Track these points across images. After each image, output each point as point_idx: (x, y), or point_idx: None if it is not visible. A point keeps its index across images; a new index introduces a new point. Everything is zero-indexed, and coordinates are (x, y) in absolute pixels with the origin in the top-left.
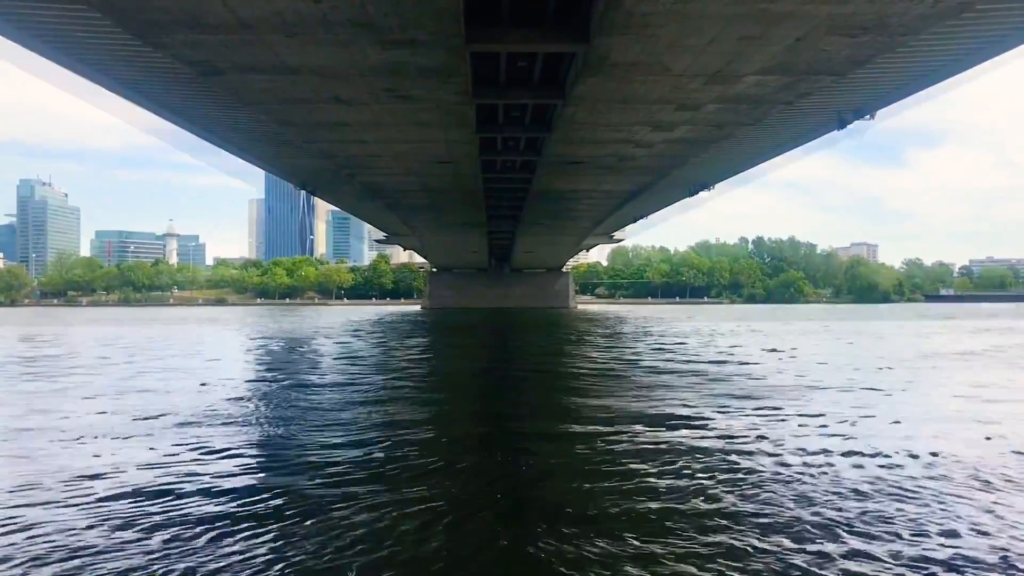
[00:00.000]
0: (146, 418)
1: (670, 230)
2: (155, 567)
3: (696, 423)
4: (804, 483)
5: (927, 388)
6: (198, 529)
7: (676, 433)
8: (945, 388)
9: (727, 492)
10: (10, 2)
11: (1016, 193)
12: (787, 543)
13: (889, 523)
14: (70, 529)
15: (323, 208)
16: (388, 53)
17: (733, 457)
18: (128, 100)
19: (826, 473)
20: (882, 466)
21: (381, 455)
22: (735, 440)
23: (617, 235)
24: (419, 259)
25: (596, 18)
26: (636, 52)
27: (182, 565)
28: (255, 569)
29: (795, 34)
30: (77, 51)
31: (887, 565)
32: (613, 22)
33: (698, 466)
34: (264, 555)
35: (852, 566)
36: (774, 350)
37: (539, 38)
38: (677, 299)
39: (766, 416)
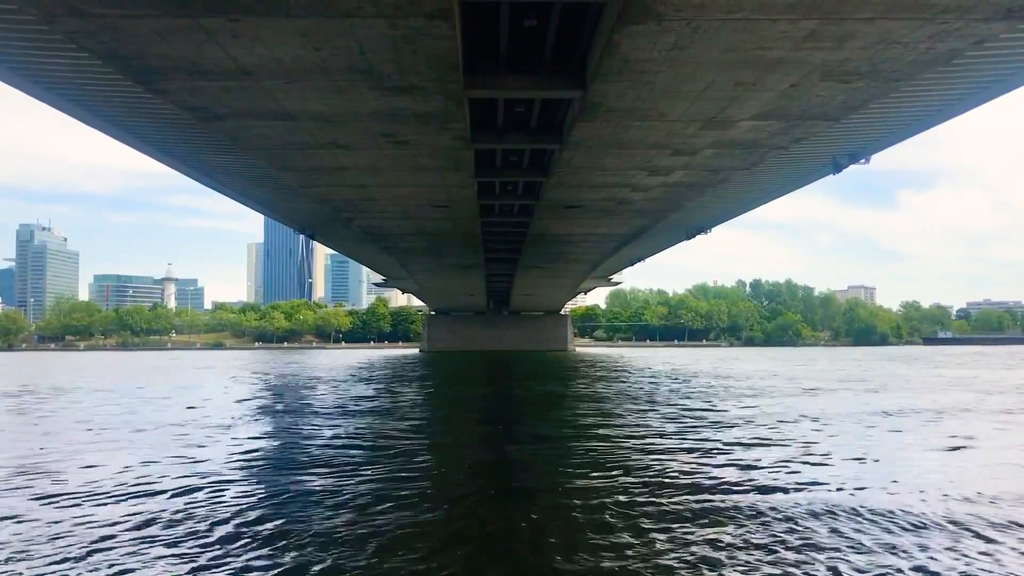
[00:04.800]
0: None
1: (667, 271)
2: None
3: None
4: None
5: None
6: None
7: None
8: None
9: None
10: (15, 52)
11: (1009, 234)
12: None
13: None
14: None
15: (322, 251)
16: (387, 99)
17: None
18: (128, 145)
19: None
20: None
21: None
22: None
23: (615, 278)
24: (417, 302)
25: (593, 64)
26: (632, 98)
27: None
28: None
29: (789, 80)
30: (80, 97)
31: None
32: (609, 68)
33: None
34: None
35: None
36: None
37: (536, 84)
38: (676, 341)
39: None
